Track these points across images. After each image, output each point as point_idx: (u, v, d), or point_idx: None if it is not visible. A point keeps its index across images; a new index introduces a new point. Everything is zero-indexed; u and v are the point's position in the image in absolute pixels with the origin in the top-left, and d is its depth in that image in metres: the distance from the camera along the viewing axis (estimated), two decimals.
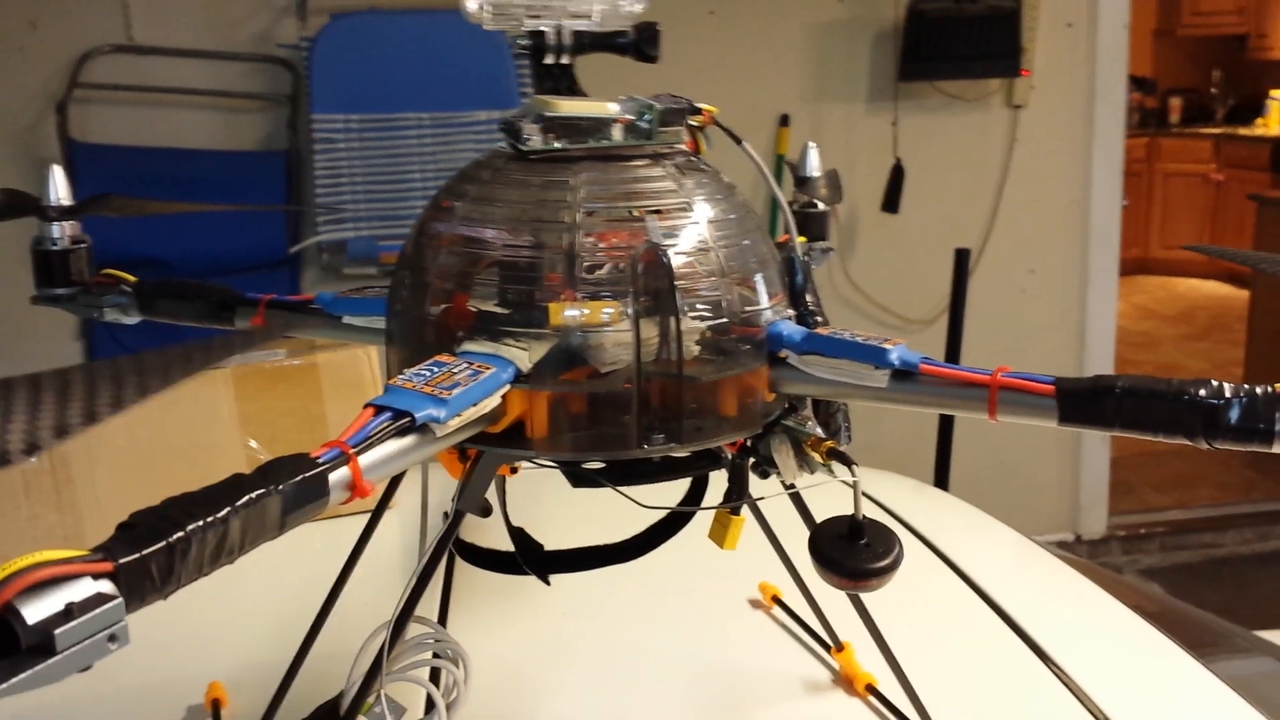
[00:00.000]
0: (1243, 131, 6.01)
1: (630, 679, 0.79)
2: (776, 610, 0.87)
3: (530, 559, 0.65)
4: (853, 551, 0.53)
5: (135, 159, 2.55)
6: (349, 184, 2.57)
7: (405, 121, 2.56)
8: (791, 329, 0.57)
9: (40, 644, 0.33)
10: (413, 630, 0.58)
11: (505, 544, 0.66)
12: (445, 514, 0.64)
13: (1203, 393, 0.47)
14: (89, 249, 0.71)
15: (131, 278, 0.71)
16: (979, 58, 2.83)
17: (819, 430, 0.58)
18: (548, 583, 0.65)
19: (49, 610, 0.33)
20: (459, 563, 0.94)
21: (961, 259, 2.24)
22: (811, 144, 0.79)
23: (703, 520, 0.68)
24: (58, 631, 0.33)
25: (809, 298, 0.60)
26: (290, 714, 0.65)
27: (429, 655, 0.58)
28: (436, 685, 0.59)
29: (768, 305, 0.57)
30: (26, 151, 2.60)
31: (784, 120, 2.78)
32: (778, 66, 2.83)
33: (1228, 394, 0.47)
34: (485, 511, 0.57)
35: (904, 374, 0.54)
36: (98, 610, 0.34)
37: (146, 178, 2.52)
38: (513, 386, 0.53)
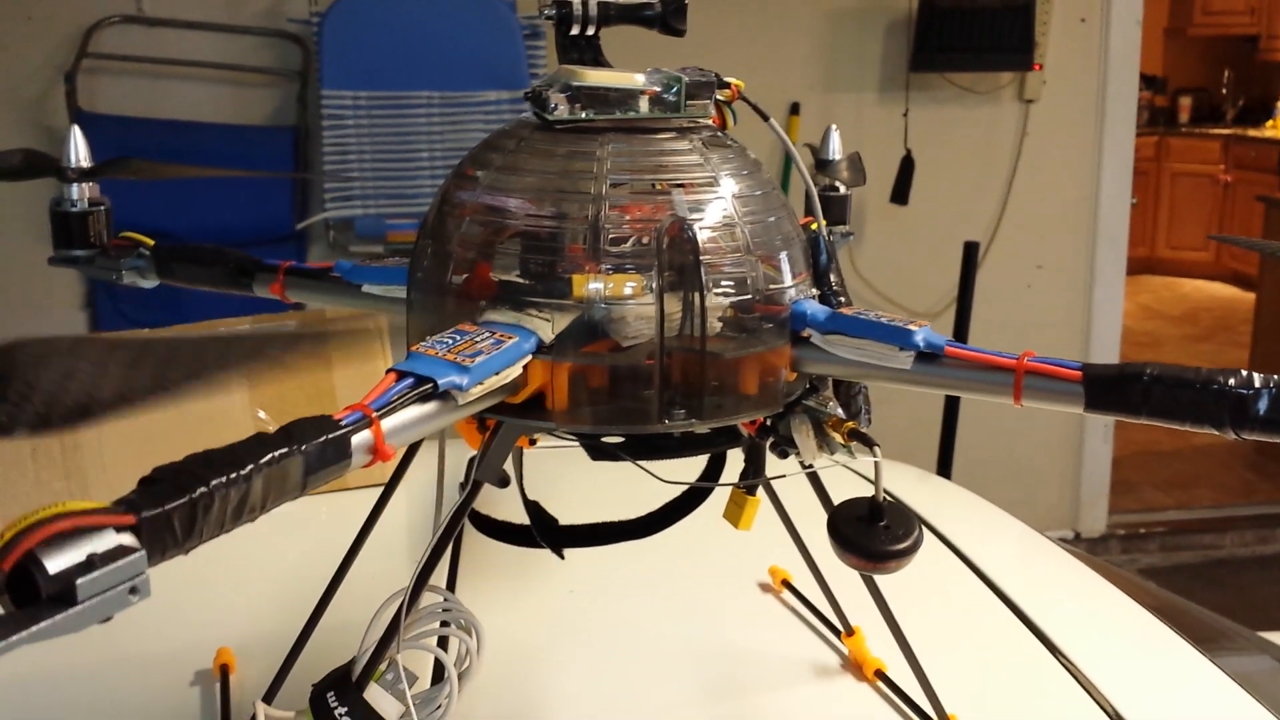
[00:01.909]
0: (1252, 133, 6.00)
1: (638, 659, 0.79)
2: (786, 594, 0.86)
3: (545, 532, 0.64)
4: (872, 533, 0.53)
5: (143, 130, 2.54)
6: (357, 161, 2.55)
7: (415, 100, 2.54)
8: (815, 308, 0.56)
9: (61, 594, 0.32)
10: (426, 599, 0.58)
11: (518, 520, 0.66)
12: (461, 485, 0.64)
13: (1231, 382, 0.47)
14: (108, 211, 0.71)
15: (150, 241, 0.70)
16: (991, 50, 2.82)
17: (840, 411, 0.58)
18: (561, 556, 0.65)
19: (71, 560, 0.33)
20: (466, 540, 0.94)
21: (970, 252, 2.23)
22: (833, 126, 0.79)
23: (716, 502, 0.68)
24: (79, 582, 0.32)
25: (833, 278, 0.60)
26: (299, 681, 0.65)
27: (442, 624, 0.57)
28: (448, 655, 0.59)
29: (792, 284, 0.57)
30: (35, 121, 2.59)
31: (794, 108, 2.77)
32: (789, 54, 2.81)
33: (1256, 384, 0.46)
34: (503, 482, 0.57)
35: (929, 356, 0.53)
36: (120, 562, 0.33)
37: (154, 149, 2.51)
38: (534, 357, 0.52)
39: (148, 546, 0.34)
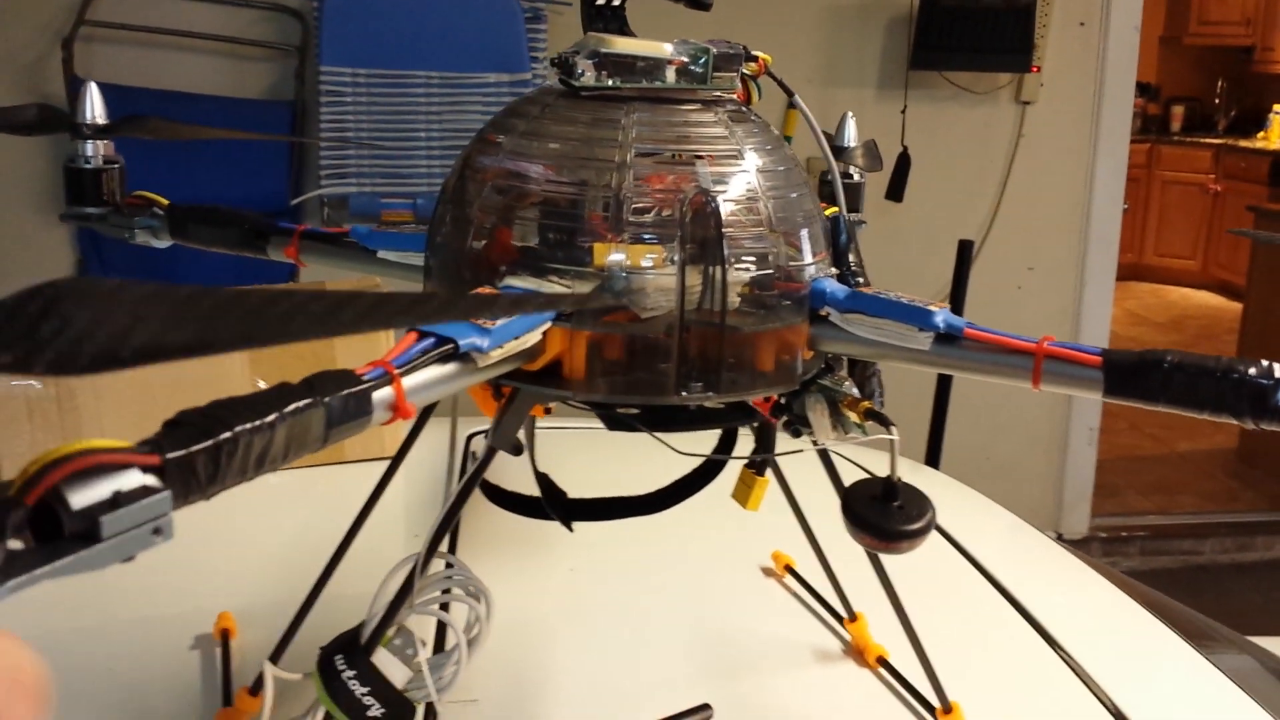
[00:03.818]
0: (1243, 143, 6.03)
1: (636, 638, 0.79)
2: (789, 579, 0.86)
3: (555, 505, 0.64)
4: (886, 513, 0.53)
5: (140, 100, 2.52)
6: (354, 139, 2.54)
7: (414, 79, 2.53)
8: (835, 286, 0.56)
9: (84, 530, 0.32)
10: (434, 567, 0.58)
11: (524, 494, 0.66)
12: (473, 454, 0.64)
13: (1252, 372, 0.47)
14: (122, 169, 0.70)
15: (164, 200, 0.70)
16: (991, 50, 2.82)
17: (855, 391, 0.58)
18: (570, 529, 0.65)
19: (96, 497, 0.32)
20: (465, 516, 0.94)
21: (965, 250, 2.23)
22: (849, 113, 0.79)
23: (721, 484, 0.68)
24: (103, 519, 0.32)
25: (852, 258, 0.60)
26: (299, 648, 0.65)
27: (450, 591, 0.57)
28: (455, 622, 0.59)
29: (811, 261, 0.57)
30: (31, 87, 2.56)
31: (792, 103, 2.76)
32: (788, 48, 2.81)
33: (1277, 374, 0.47)
34: (517, 449, 0.57)
35: (948, 338, 0.53)
36: (145, 501, 0.33)
37: None
38: (553, 325, 0.52)
39: (171, 488, 0.34)
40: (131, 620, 0.77)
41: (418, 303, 0.36)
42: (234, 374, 1.02)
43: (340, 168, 2.53)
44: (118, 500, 0.32)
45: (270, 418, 0.38)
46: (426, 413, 0.65)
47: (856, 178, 0.78)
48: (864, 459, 1.01)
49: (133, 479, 0.33)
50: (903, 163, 2.81)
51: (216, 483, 0.36)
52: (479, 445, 1.12)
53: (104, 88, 2.28)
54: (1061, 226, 3.04)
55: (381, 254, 0.65)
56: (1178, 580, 3.15)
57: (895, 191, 2.80)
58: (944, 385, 2.35)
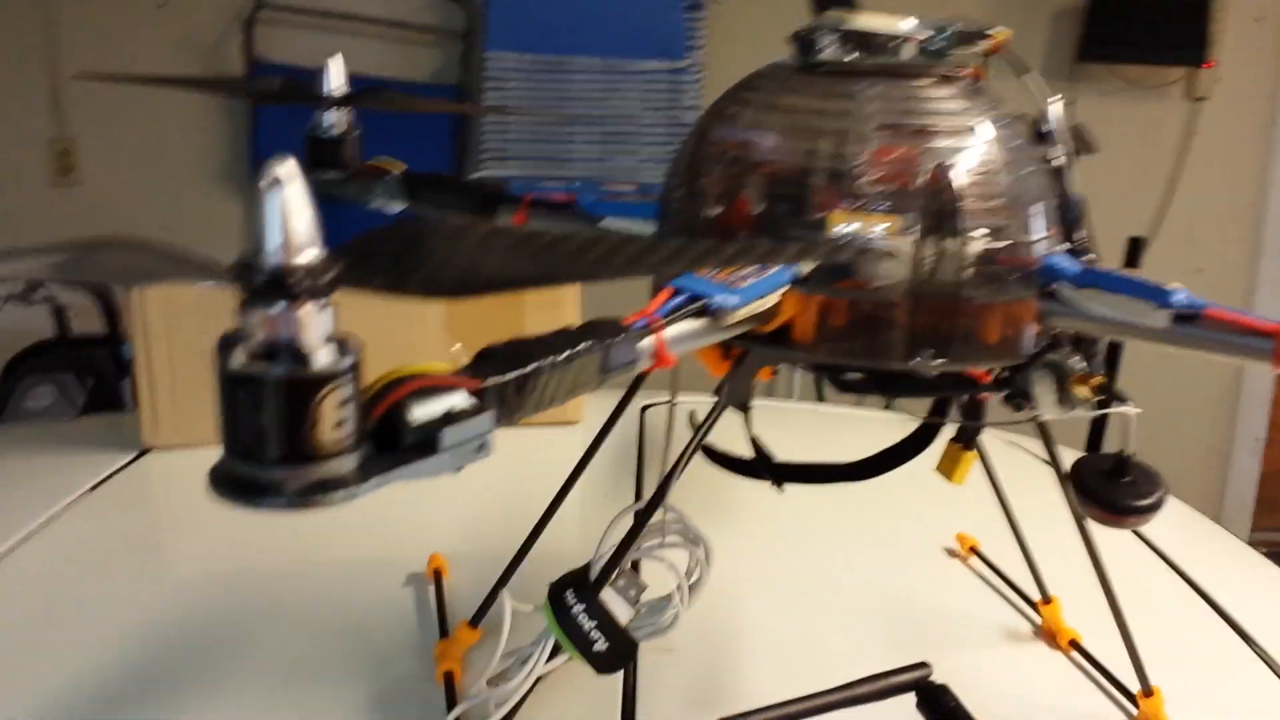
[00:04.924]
0: None
1: (825, 608, 0.80)
2: (974, 561, 0.87)
3: (767, 466, 0.66)
4: (1116, 487, 0.53)
5: (310, 86, 2.63)
6: (515, 123, 2.61)
7: (575, 65, 2.58)
8: (1068, 262, 0.57)
9: (423, 442, 0.35)
10: (656, 515, 0.60)
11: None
12: (691, 413, 0.66)
13: None
14: (360, 138, 0.75)
15: (400, 165, 0.74)
16: (1164, 44, 2.73)
17: (1084, 366, 0.58)
18: (781, 489, 0.66)
19: (433, 413, 0.36)
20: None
21: (1135, 247, 2.17)
22: (1058, 96, 0.78)
23: (910, 467, 0.69)
24: (443, 432, 0.35)
25: (1081, 235, 0.60)
26: (519, 584, 0.68)
27: (671, 538, 0.60)
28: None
29: (1043, 236, 0.57)
30: (211, 66, 2.70)
31: (1025, 80, 2.71)
32: None
33: None
34: (745, 407, 0.59)
35: (1187, 316, 0.53)
36: (474, 420, 0.36)
37: None
38: (790, 288, 0.54)
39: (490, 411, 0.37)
40: (346, 559, 0.83)
41: (714, 250, 0.38)
42: (432, 337, 1.07)
43: (501, 152, 2.60)
44: (451, 417, 0.36)
45: (564, 355, 0.41)
46: (640, 379, 0.67)
47: (1063, 161, 0.77)
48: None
49: (462, 399, 0.36)
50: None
51: (519, 411, 0.39)
52: (651, 416, 1.15)
53: (282, 68, 2.38)
54: (1232, 229, 2.91)
55: (605, 222, 0.68)
56: None
57: None
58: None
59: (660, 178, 0.63)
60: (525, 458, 1.02)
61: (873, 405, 1.58)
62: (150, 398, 1.03)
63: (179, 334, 1.02)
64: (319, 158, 0.75)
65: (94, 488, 0.96)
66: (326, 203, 0.33)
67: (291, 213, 0.30)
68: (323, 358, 0.31)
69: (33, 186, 2.75)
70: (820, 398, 2.70)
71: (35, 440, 1.13)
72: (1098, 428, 2.21)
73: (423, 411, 0.36)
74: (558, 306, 1.10)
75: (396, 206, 0.74)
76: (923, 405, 0.68)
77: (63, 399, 2.10)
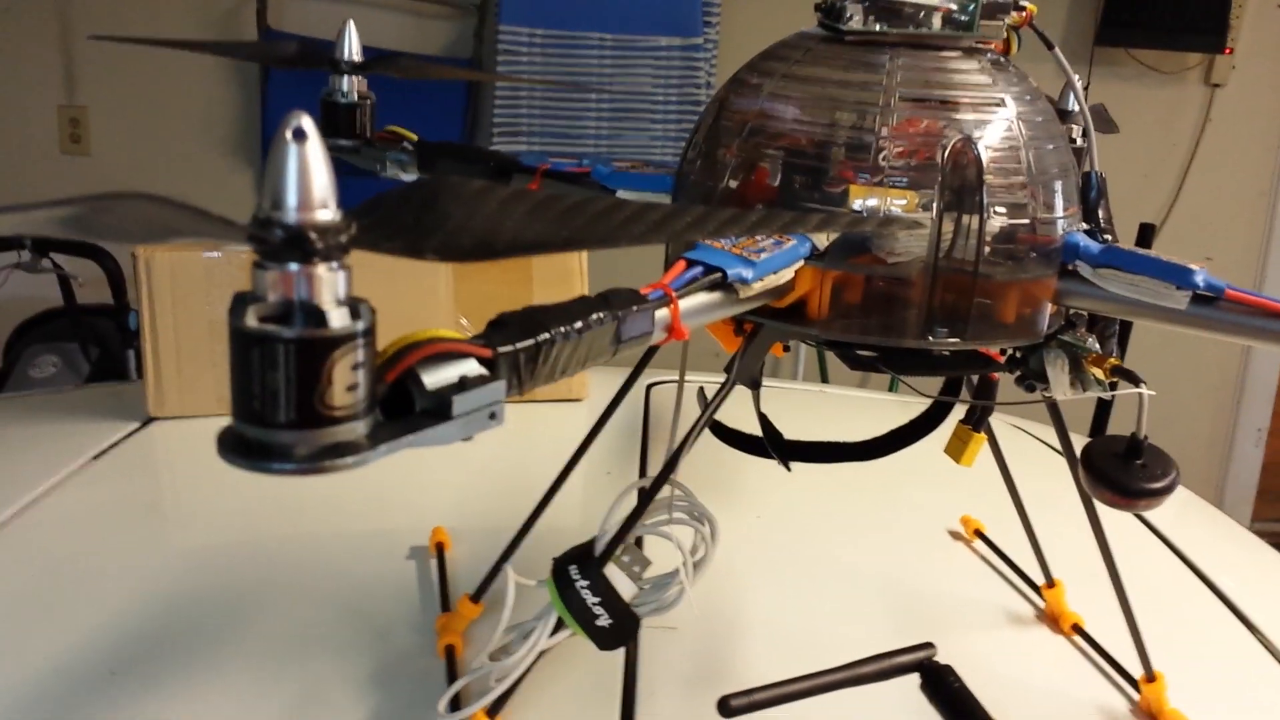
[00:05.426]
0: None
1: (827, 589, 0.80)
2: (978, 544, 0.86)
3: (775, 444, 0.66)
4: (1128, 469, 0.53)
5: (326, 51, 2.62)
6: (527, 97, 2.59)
7: (587, 40, 2.56)
8: (1088, 241, 0.56)
9: (435, 408, 0.35)
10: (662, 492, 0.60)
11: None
12: (700, 390, 0.66)
13: None
14: (373, 105, 0.74)
15: (413, 135, 0.73)
16: (1183, 29, 2.70)
17: (1099, 347, 0.57)
18: (789, 468, 0.66)
19: (446, 379, 0.35)
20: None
21: (1145, 233, 2.15)
22: (1075, 77, 0.77)
23: (917, 449, 0.68)
24: (454, 399, 0.35)
25: (1101, 214, 0.59)
26: (520, 561, 0.68)
27: (677, 514, 0.59)
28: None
29: (1064, 215, 0.57)
30: (224, 35, 2.69)
31: (1052, 55, 2.69)
32: None
33: None
34: (756, 384, 0.58)
35: (1207, 298, 0.53)
36: (486, 387, 0.36)
37: None
38: (806, 263, 0.53)
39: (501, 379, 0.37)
40: (350, 532, 0.82)
41: (736, 218, 0.38)
42: (441, 311, 1.07)
43: (513, 125, 2.59)
44: (464, 384, 0.35)
45: (578, 324, 0.40)
46: (649, 355, 0.67)
47: (1078, 143, 0.76)
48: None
49: (474, 366, 0.36)
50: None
51: (530, 380, 0.39)
52: (656, 395, 1.15)
53: (294, 38, 2.36)
54: (1244, 217, 2.90)
55: (620, 193, 0.67)
56: None
57: None
58: None
59: (672, 155, 0.63)
60: (529, 433, 1.01)
61: (877, 387, 1.58)
62: (155, 368, 1.03)
63: (184, 305, 1.02)
64: (333, 124, 0.74)
65: (97, 457, 0.96)
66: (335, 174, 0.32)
67: (311, 169, 0.30)
68: (338, 318, 0.31)
69: (42, 154, 2.74)
70: (824, 379, 2.69)
71: (39, 409, 1.13)
72: (1105, 411, 2.20)
73: (437, 377, 0.35)
74: (566, 282, 1.09)
75: (409, 175, 0.73)
76: (929, 387, 0.68)
77: (68, 368, 2.10)
